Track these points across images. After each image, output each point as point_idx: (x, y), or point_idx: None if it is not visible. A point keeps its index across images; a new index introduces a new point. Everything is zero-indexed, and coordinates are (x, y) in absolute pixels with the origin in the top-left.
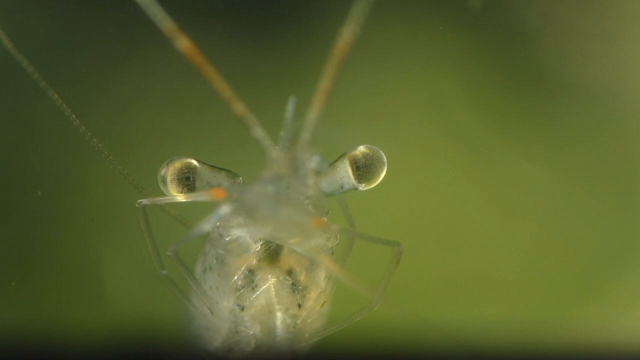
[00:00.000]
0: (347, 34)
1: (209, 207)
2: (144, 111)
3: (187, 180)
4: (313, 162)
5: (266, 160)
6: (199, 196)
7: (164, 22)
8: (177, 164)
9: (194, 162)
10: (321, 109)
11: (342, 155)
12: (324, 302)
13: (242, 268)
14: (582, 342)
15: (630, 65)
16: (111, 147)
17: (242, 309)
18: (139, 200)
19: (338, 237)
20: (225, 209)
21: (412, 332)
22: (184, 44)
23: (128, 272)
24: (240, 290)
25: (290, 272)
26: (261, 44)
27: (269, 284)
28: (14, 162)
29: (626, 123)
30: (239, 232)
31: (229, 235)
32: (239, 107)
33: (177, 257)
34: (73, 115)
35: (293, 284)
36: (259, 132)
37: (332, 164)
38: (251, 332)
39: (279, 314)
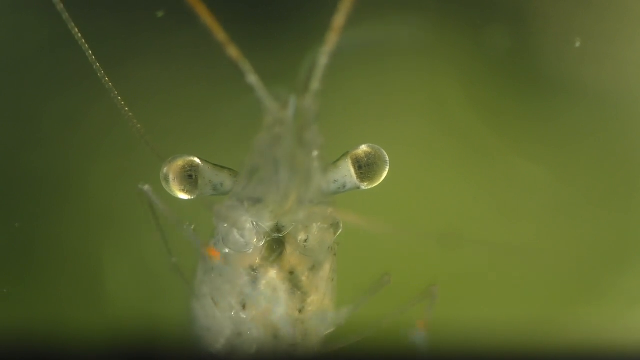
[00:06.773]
0: None
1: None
2: (144, 111)
3: (190, 179)
4: (315, 120)
5: (261, 109)
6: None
7: None
8: (180, 162)
9: (197, 160)
10: (333, 50)
11: (345, 154)
12: (326, 307)
13: (245, 268)
14: (582, 342)
15: (630, 65)
16: (111, 147)
17: (244, 309)
18: (139, 185)
19: (342, 226)
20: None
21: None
22: None
23: (128, 272)
24: (242, 290)
25: (292, 273)
26: (262, 45)
27: (271, 277)
28: (14, 162)
29: (626, 123)
30: (239, 219)
31: (232, 227)
32: (233, 51)
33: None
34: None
35: (295, 285)
36: (253, 78)
37: (335, 163)
38: (253, 335)
39: (280, 310)
